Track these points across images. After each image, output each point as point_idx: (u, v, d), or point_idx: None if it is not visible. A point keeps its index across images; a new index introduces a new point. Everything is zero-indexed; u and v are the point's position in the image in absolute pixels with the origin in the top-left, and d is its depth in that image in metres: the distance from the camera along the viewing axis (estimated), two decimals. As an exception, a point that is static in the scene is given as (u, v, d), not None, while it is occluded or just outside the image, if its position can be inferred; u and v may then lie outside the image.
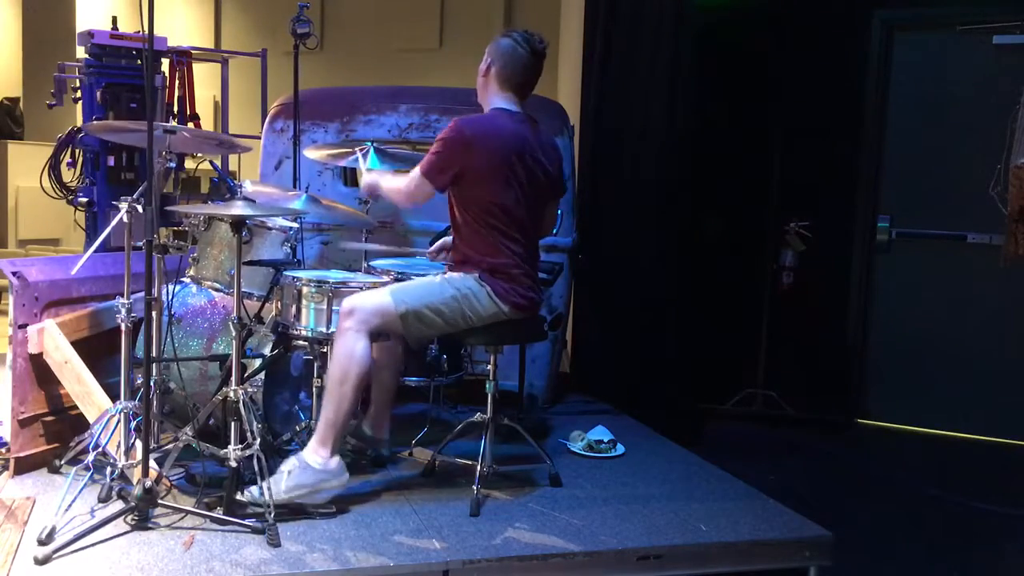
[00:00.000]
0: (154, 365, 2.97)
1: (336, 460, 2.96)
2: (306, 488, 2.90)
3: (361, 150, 3.65)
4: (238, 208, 2.90)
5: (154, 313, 2.83)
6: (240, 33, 8.81)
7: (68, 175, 4.45)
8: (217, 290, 3.30)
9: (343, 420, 2.98)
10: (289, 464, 2.92)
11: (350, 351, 2.94)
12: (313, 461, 2.92)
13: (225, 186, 3.24)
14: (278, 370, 3.41)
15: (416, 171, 3.10)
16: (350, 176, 4.76)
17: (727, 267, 5.05)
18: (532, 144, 3.14)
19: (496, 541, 2.79)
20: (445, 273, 3.18)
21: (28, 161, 7.48)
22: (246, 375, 3.08)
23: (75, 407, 3.20)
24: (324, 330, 3.15)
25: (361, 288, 3.17)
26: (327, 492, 2.93)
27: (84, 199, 4.32)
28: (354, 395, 2.96)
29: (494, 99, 3.16)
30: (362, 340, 2.95)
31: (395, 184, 3.23)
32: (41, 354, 3.18)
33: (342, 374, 2.94)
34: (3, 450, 3.23)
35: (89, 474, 2.96)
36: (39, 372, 3.22)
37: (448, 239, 3.37)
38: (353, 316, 2.96)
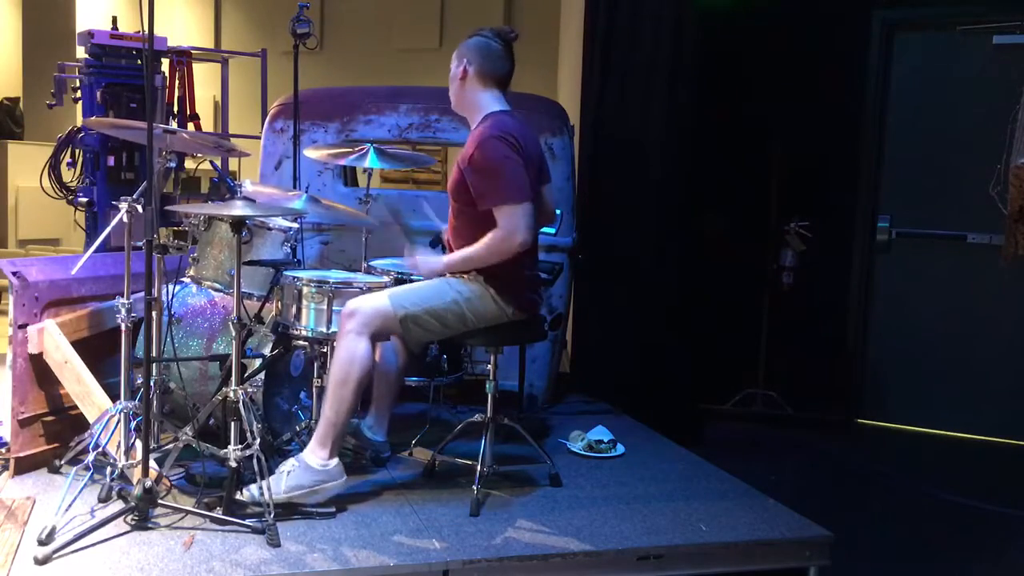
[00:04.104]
0: (154, 365, 2.97)
1: (335, 462, 2.95)
2: (304, 489, 2.89)
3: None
4: (238, 208, 2.90)
5: (154, 313, 2.83)
6: (240, 33, 8.82)
7: (68, 175, 4.45)
8: (217, 290, 3.30)
9: (343, 421, 2.97)
10: (288, 464, 2.92)
11: (351, 353, 2.93)
12: (313, 462, 2.92)
13: (225, 186, 3.24)
14: (278, 370, 3.41)
15: (506, 208, 2.91)
16: (350, 176, 4.77)
17: (727, 267, 5.05)
18: (530, 140, 3.14)
19: (496, 541, 2.79)
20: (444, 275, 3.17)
21: (28, 161, 7.48)
22: (246, 375, 3.08)
23: (75, 407, 3.20)
24: (324, 330, 3.14)
25: (361, 289, 3.17)
26: (325, 494, 2.92)
27: (84, 199, 4.32)
28: (354, 397, 2.96)
29: (482, 99, 3.10)
30: (363, 342, 2.94)
31: (480, 246, 2.97)
32: (41, 354, 3.18)
33: (343, 376, 2.93)
34: (3, 450, 3.23)
35: (89, 474, 2.96)
36: (39, 372, 3.22)
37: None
38: (354, 318, 2.95)
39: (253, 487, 2.82)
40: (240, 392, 2.86)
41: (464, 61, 3.09)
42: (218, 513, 2.79)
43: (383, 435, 3.43)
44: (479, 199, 2.97)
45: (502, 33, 3.12)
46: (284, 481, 2.88)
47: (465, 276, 3.07)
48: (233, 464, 2.83)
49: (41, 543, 2.57)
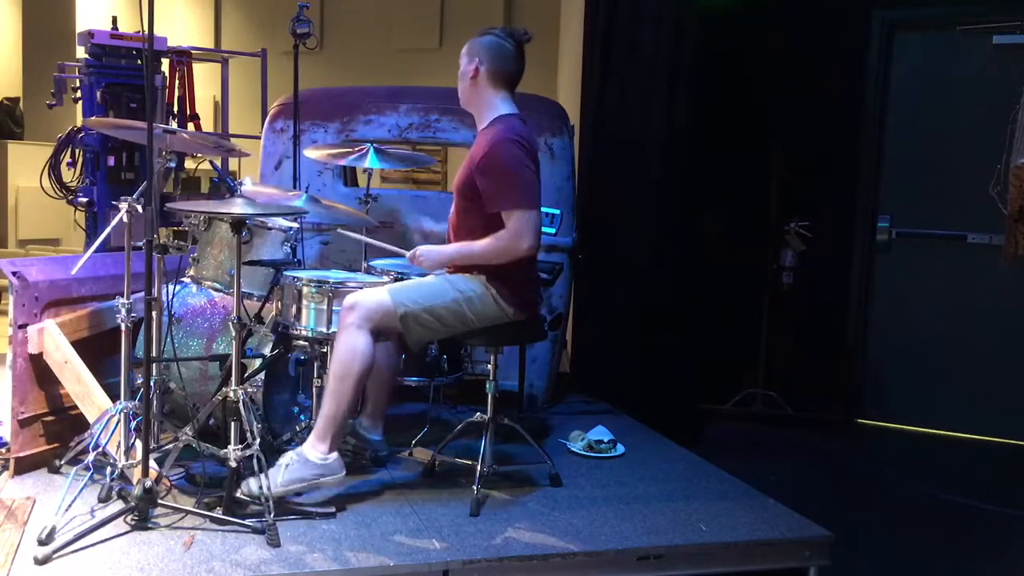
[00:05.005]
0: (154, 365, 2.97)
1: (335, 455, 2.95)
2: (304, 482, 2.89)
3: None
4: (238, 208, 2.90)
5: (154, 313, 2.83)
6: (240, 33, 8.81)
7: (68, 175, 4.45)
8: (217, 290, 3.30)
9: (343, 415, 2.97)
10: (287, 458, 2.92)
11: (352, 347, 2.93)
12: (312, 456, 2.92)
13: (225, 186, 3.24)
14: (278, 370, 3.41)
15: (516, 213, 2.92)
16: (350, 176, 4.77)
17: (727, 267, 5.05)
18: (535, 145, 3.14)
19: (496, 541, 2.79)
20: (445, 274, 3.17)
21: (28, 161, 7.48)
22: (246, 375, 3.07)
23: (75, 407, 3.20)
24: (324, 330, 3.14)
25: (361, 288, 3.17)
26: (324, 488, 2.92)
27: (84, 199, 4.32)
28: (355, 391, 2.96)
29: (492, 100, 3.08)
30: (364, 336, 2.94)
31: (486, 245, 2.98)
32: (41, 354, 3.18)
33: (344, 370, 2.92)
34: (3, 450, 3.23)
35: (89, 474, 2.96)
36: (39, 372, 3.22)
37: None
38: (355, 311, 2.95)
39: (252, 480, 2.82)
40: (240, 392, 2.86)
41: (476, 60, 3.07)
42: (218, 513, 2.79)
43: (379, 434, 3.42)
44: (489, 201, 2.96)
45: (515, 34, 3.10)
46: (283, 474, 2.87)
47: (466, 275, 3.07)
48: (233, 464, 2.83)
49: (41, 543, 2.57)
